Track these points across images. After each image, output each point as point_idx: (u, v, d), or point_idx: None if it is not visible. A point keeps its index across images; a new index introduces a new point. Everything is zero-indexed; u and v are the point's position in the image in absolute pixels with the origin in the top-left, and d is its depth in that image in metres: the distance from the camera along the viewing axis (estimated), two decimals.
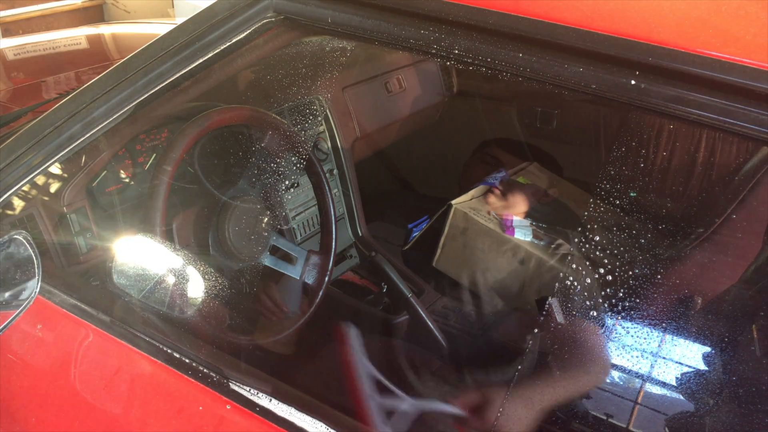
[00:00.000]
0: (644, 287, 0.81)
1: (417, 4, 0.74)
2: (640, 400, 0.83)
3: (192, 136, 1.08)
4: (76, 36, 2.24)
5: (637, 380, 0.83)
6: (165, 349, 0.89)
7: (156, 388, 0.88)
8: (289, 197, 1.44)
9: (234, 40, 0.88)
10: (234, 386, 0.84)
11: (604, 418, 0.86)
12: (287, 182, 1.42)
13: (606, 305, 0.84)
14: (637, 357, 0.82)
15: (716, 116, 0.63)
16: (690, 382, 0.80)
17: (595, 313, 0.85)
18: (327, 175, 1.44)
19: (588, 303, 0.86)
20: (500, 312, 1.34)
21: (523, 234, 1.33)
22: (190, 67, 0.89)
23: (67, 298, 0.96)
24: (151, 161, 1.23)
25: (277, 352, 1.18)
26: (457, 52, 0.73)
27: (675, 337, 0.80)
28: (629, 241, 0.82)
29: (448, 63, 0.79)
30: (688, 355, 0.79)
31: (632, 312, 0.82)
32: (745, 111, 0.61)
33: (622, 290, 0.82)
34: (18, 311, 0.88)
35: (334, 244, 1.35)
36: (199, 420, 0.83)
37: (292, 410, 0.81)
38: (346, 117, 1.62)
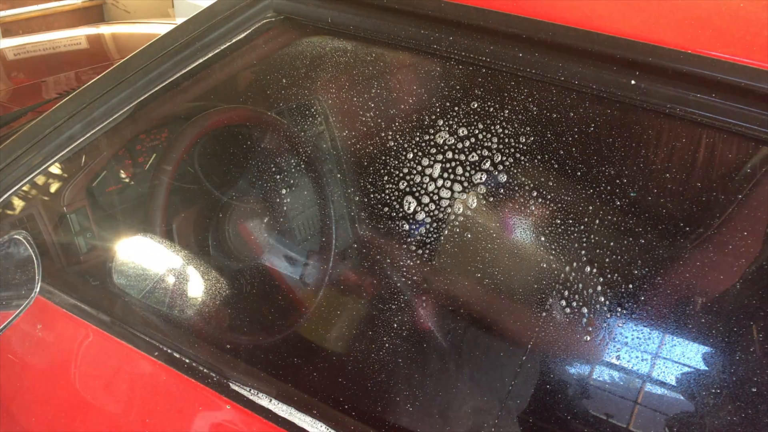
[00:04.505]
0: (644, 287, 0.81)
1: (417, 4, 0.74)
2: (640, 400, 0.83)
3: (192, 136, 1.08)
4: (76, 36, 2.24)
5: (637, 380, 0.83)
6: (165, 349, 0.89)
7: (156, 388, 0.88)
8: (289, 197, 1.44)
9: (234, 40, 0.88)
10: (234, 386, 0.84)
11: (604, 418, 0.86)
12: (287, 182, 1.42)
13: (606, 305, 0.84)
14: (637, 357, 0.82)
15: (716, 116, 0.63)
16: (690, 382, 0.80)
17: (594, 313, 0.85)
18: (327, 175, 1.44)
19: (587, 302, 0.86)
20: (500, 311, 1.34)
21: (523, 234, 1.33)
22: (190, 67, 0.89)
23: (67, 298, 0.96)
24: (151, 161, 1.23)
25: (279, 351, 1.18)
26: (457, 52, 0.73)
27: (675, 337, 0.80)
28: (629, 241, 0.82)
29: (448, 63, 0.79)
30: (688, 355, 0.79)
31: (632, 312, 0.82)
32: (745, 111, 0.61)
33: (622, 290, 0.82)
34: (18, 311, 0.88)
35: (334, 244, 1.35)
36: (199, 420, 0.83)
37: (292, 410, 0.81)
38: (346, 117, 1.62)
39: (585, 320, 0.86)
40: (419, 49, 0.77)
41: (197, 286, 1.03)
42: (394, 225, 1.06)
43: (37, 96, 1.75)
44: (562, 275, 0.88)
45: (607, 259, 0.84)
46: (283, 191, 1.37)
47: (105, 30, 2.35)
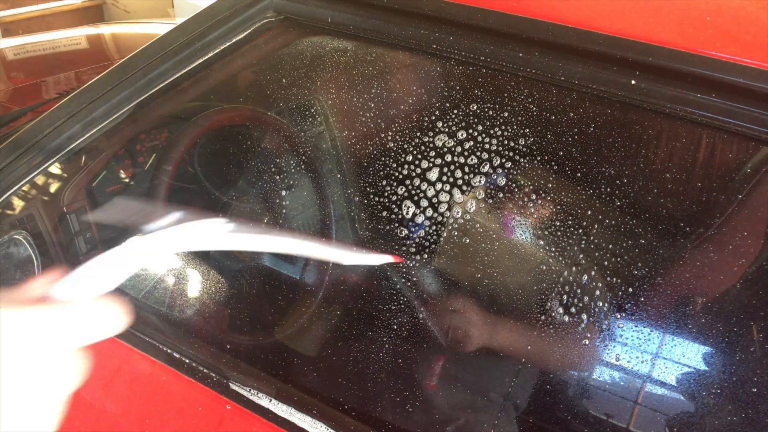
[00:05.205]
0: (644, 288, 0.81)
1: (417, 4, 0.74)
2: (640, 400, 0.83)
3: (192, 136, 1.08)
4: (76, 36, 2.24)
5: (637, 380, 0.83)
6: (165, 349, 0.89)
7: (156, 388, 0.88)
8: (289, 197, 1.44)
9: (234, 40, 0.88)
10: (234, 386, 0.84)
11: (604, 418, 0.86)
12: (287, 182, 1.42)
13: (606, 306, 0.84)
14: (637, 357, 0.82)
15: (716, 116, 0.63)
16: (690, 383, 0.80)
17: (594, 314, 0.85)
18: (327, 175, 1.44)
19: (587, 304, 0.86)
20: (500, 312, 1.34)
21: (523, 235, 1.33)
22: (190, 67, 0.89)
23: None
24: (151, 161, 1.23)
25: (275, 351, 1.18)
26: (457, 52, 0.73)
27: (675, 338, 0.80)
28: (629, 242, 0.82)
29: (448, 63, 0.79)
30: (689, 355, 0.79)
31: (632, 312, 0.82)
32: (745, 111, 0.61)
33: (622, 291, 0.82)
34: None
35: (333, 243, 1.35)
36: (199, 420, 0.83)
37: (292, 410, 0.81)
38: (346, 117, 1.62)
39: (585, 321, 0.86)
40: (419, 49, 0.77)
41: (197, 285, 1.03)
42: (394, 226, 1.06)
43: (37, 96, 1.75)
44: (562, 277, 0.88)
45: (606, 261, 0.84)
46: (283, 191, 1.37)
47: (105, 30, 2.35)
